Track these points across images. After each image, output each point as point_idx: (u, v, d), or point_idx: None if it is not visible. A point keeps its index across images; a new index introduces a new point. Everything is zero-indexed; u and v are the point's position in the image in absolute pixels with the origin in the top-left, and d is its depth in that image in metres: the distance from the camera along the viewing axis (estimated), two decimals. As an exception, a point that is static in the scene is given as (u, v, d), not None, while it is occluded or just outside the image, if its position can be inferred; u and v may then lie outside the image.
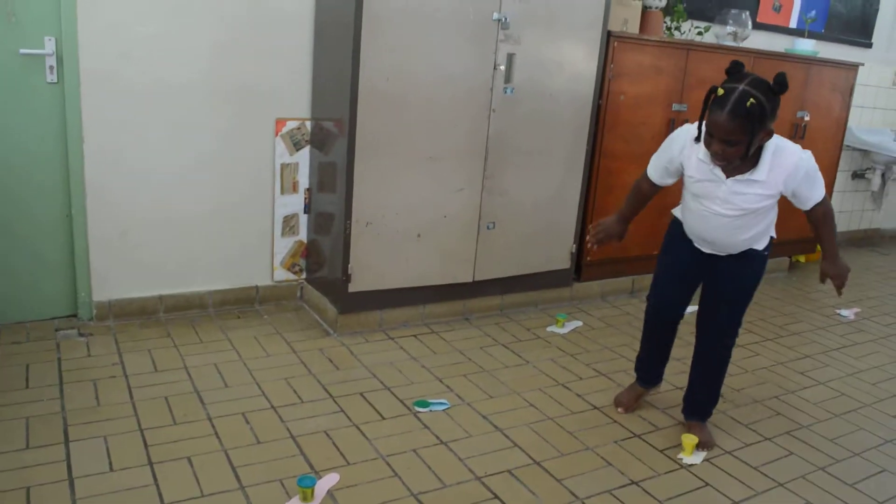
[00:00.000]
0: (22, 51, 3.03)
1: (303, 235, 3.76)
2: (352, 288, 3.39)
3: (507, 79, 3.47)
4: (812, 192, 2.44)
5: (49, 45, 3.07)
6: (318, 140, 3.56)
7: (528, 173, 3.70)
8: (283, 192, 3.64)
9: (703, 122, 2.33)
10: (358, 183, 3.26)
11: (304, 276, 3.81)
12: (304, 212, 3.72)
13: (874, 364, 3.70)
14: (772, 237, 2.63)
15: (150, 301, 3.46)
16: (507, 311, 3.89)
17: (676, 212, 2.76)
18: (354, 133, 3.20)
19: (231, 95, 3.40)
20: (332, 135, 3.39)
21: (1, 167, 3.11)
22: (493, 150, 3.55)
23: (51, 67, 3.10)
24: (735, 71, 2.32)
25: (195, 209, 3.47)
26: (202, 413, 2.66)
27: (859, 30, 5.84)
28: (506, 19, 3.36)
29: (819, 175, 2.43)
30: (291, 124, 3.57)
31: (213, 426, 2.57)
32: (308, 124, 3.60)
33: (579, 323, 3.84)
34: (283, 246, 3.72)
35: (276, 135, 3.55)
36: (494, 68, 3.42)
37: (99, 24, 3.09)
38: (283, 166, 3.61)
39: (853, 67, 4.94)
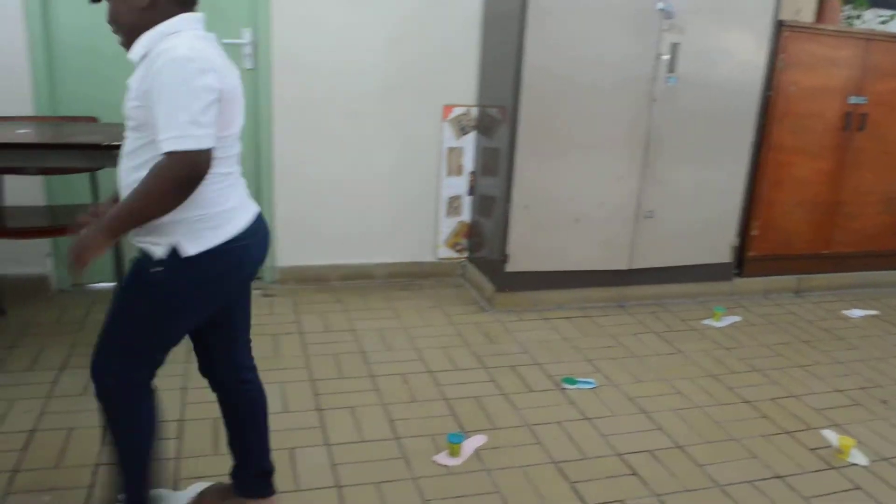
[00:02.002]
0: (224, 41, 3.43)
1: (466, 216, 3.95)
2: (509, 268, 3.54)
3: (671, 69, 3.47)
4: (158, 113, 1.51)
5: (246, 36, 3.44)
6: (483, 125, 3.73)
7: (689, 163, 3.68)
8: (449, 174, 3.85)
9: None
10: (519, 167, 3.40)
11: (465, 254, 4.00)
12: (468, 194, 3.92)
13: None
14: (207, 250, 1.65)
15: (325, 269, 3.79)
16: (663, 301, 3.89)
17: None
18: (517, 119, 3.34)
19: (404, 82, 3.66)
20: (496, 121, 3.55)
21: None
22: (653, 139, 3.56)
23: (248, 55, 3.47)
24: None
25: (369, 187, 3.76)
26: (365, 371, 2.91)
27: None
28: (670, 8, 3.36)
29: (183, 91, 1.50)
30: (458, 110, 3.77)
31: (374, 383, 2.82)
32: (474, 111, 3.79)
33: (738, 318, 3.77)
34: (448, 225, 3.94)
35: (444, 120, 3.76)
36: (657, 58, 3.44)
37: (290, 17, 3.45)
38: (450, 150, 3.82)
39: None
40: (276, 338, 3.15)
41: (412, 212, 3.87)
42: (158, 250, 1.63)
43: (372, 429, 2.51)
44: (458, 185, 3.90)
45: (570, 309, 3.69)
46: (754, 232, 3.94)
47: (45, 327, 3.13)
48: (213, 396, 1.97)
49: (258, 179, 3.62)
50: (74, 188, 3.36)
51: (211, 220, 1.63)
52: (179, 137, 1.49)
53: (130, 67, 1.62)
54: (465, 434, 2.50)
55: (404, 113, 3.71)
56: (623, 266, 3.73)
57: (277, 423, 2.48)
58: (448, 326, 3.40)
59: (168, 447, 2.30)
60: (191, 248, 1.62)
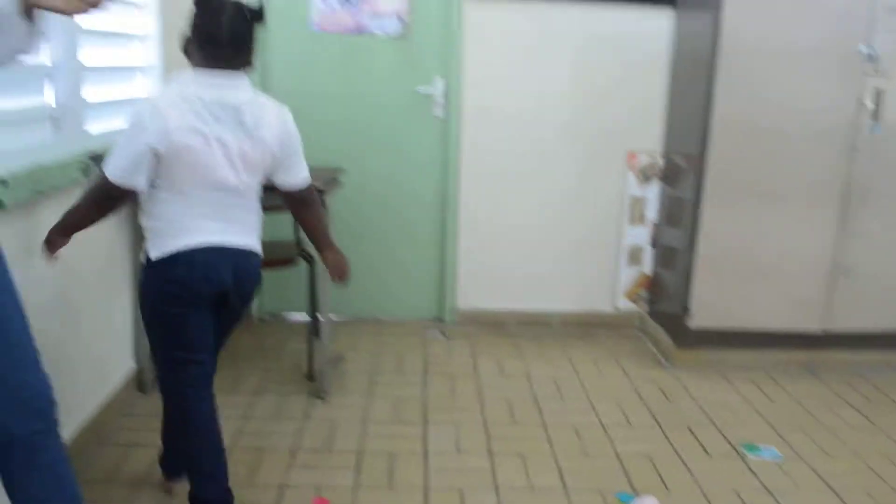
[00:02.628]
0: (418, 89, 3.64)
1: (647, 267, 3.89)
2: (691, 324, 3.44)
3: (875, 117, 3.25)
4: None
5: (438, 86, 3.63)
6: (668, 174, 3.68)
7: (887, 220, 3.41)
8: (631, 223, 3.82)
9: None
10: (705, 218, 3.31)
11: (645, 307, 3.93)
12: (651, 244, 3.86)
13: None
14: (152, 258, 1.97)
15: (503, 314, 3.87)
16: (861, 370, 3.60)
17: None
18: (704, 168, 3.26)
19: (588, 129, 3.71)
20: (682, 169, 3.49)
21: (389, 185, 3.76)
22: (854, 190, 3.34)
23: (439, 104, 3.66)
24: None
25: (549, 233, 3.82)
26: (538, 418, 2.93)
27: None
28: (875, 52, 3.16)
29: (127, 134, 1.90)
30: (643, 158, 3.74)
31: (546, 431, 2.83)
32: (659, 158, 3.74)
33: (951, 394, 3.42)
34: (628, 276, 3.89)
35: (628, 168, 3.75)
36: (859, 105, 3.24)
37: (480, 67, 3.62)
38: (633, 198, 3.79)
39: None
40: (453, 379, 3.26)
41: (592, 260, 3.87)
42: (142, 255, 2.01)
43: (541, 477, 2.52)
44: (640, 235, 3.85)
45: (755, 371, 3.51)
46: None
47: (245, 353, 3.43)
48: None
49: (443, 225, 3.79)
50: (278, 224, 3.67)
51: (166, 231, 1.94)
52: (106, 162, 1.89)
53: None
54: (635, 494, 2.45)
55: (588, 159, 3.74)
56: (815, 327, 3.50)
57: (449, 462, 2.57)
58: (624, 380, 3.35)
59: (344, 476, 2.45)
60: (153, 252, 1.95)
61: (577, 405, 3.07)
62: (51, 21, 1.97)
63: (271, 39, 3.56)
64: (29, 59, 1.65)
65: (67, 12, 1.40)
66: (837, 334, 3.52)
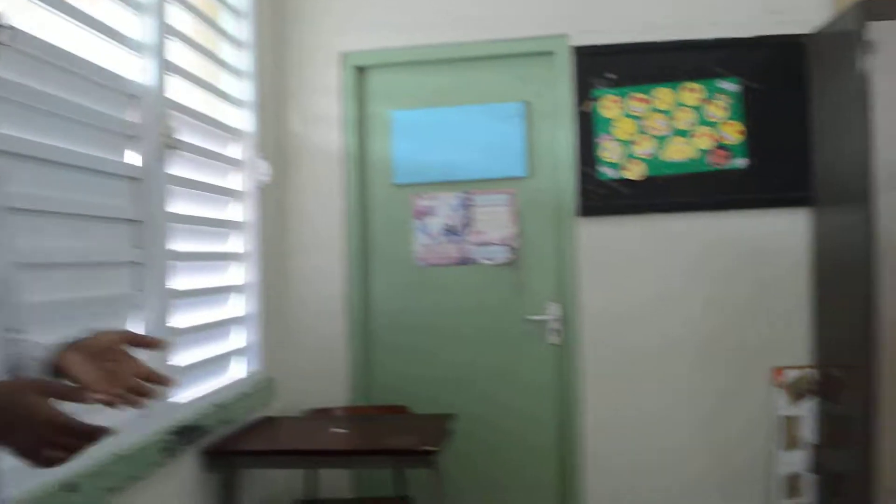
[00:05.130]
0: (527, 317, 3.42)
1: (810, 499, 3.33)
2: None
3: None
4: None
5: (552, 311, 3.40)
6: (825, 389, 3.24)
7: None
8: (786, 448, 3.33)
9: None
10: (883, 438, 2.84)
11: (815, 547, 3.32)
12: (812, 471, 3.33)
13: None
14: None
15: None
16: None
17: None
18: (873, 379, 2.84)
19: (723, 347, 3.36)
20: (843, 383, 3.06)
21: (499, 431, 3.44)
22: None
23: (552, 330, 3.40)
24: None
25: (686, 465, 3.36)
26: None
27: None
28: None
29: None
30: (791, 373, 3.34)
31: None
32: (812, 372, 3.32)
33: None
34: (788, 510, 3.34)
35: (775, 384, 3.34)
36: None
37: (600, 290, 3.39)
38: (785, 419, 3.34)
39: None
40: None
41: (738, 492, 3.34)
42: None
43: None
44: (798, 461, 3.34)
45: None
46: None
47: None
48: None
49: (563, 470, 3.39)
50: (379, 479, 3.35)
51: None
52: None
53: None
54: None
55: (724, 380, 3.35)
56: None
57: None
58: None
59: None
60: None
61: None
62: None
63: (375, 274, 3.48)
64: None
65: (88, 400, 0.98)
66: None
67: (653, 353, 3.37)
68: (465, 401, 3.39)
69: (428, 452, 2.37)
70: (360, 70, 3.55)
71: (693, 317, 3.37)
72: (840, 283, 3.11)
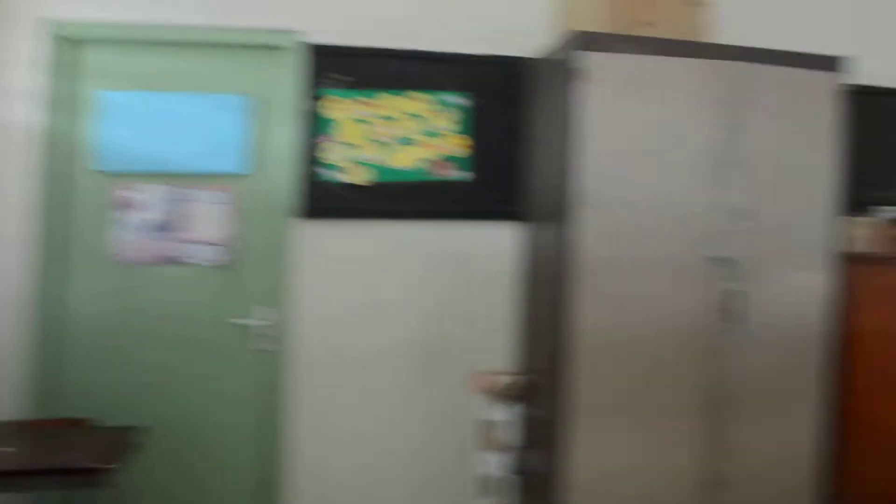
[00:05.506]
0: (235, 321, 3.25)
1: (509, 498, 3.49)
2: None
3: (731, 320, 3.21)
4: None
5: (265, 316, 3.28)
6: (528, 394, 3.41)
7: (758, 426, 3.28)
8: (485, 449, 3.46)
9: None
10: (572, 442, 3.03)
11: (513, 545, 3.49)
12: (512, 472, 3.49)
13: None
14: None
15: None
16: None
17: None
18: (566, 384, 3.03)
19: (438, 355, 3.43)
20: (542, 388, 3.24)
21: (196, 444, 3.22)
22: (717, 399, 3.21)
23: (265, 336, 3.28)
24: None
25: (394, 473, 3.38)
26: None
27: None
28: (727, 257, 3.18)
29: None
30: (500, 379, 3.47)
31: None
32: (512, 379, 3.49)
33: None
34: (488, 512, 3.47)
35: (475, 391, 3.46)
36: (715, 310, 3.19)
37: (319, 296, 3.34)
38: (484, 423, 3.47)
39: None
40: None
41: (443, 498, 3.43)
42: None
43: None
44: (495, 462, 3.48)
45: None
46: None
47: None
48: None
49: (262, 478, 3.27)
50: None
51: None
52: None
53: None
54: None
55: (439, 388, 3.44)
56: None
57: None
58: None
59: None
60: None
61: None
62: None
63: (72, 272, 3.13)
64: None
65: None
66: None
67: (369, 360, 3.34)
68: (161, 411, 3.14)
69: (103, 470, 2.12)
70: (71, 42, 3.17)
71: (411, 325, 3.39)
72: (540, 294, 3.29)
